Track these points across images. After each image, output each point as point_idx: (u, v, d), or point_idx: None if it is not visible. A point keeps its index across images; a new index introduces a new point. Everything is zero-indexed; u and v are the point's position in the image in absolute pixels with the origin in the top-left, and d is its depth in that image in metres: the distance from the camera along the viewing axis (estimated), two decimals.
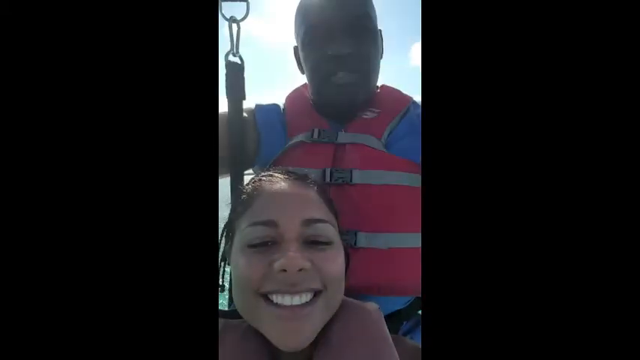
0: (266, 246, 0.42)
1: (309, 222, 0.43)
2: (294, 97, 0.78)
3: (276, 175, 0.48)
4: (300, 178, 0.48)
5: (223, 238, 0.53)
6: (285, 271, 0.39)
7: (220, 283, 0.58)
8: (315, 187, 0.48)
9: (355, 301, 0.48)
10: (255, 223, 0.43)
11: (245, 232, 0.43)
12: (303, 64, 0.72)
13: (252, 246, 0.42)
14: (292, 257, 0.39)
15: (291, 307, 0.40)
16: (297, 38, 0.73)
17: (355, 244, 0.58)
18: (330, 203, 0.49)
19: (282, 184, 0.46)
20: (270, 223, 0.42)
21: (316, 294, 0.41)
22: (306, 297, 0.40)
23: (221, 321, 0.46)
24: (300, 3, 0.71)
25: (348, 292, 0.48)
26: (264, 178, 0.48)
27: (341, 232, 0.48)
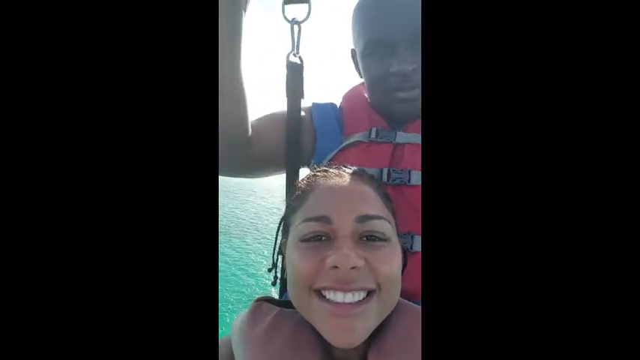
0: (319, 241, 0.42)
1: (364, 218, 0.42)
2: (351, 95, 0.78)
3: (331, 170, 0.48)
4: (355, 174, 0.47)
5: (280, 233, 0.54)
6: (337, 267, 0.39)
7: (274, 275, 0.59)
8: (371, 184, 0.47)
9: (412, 304, 0.46)
10: (308, 219, 0.43)
11: (299, 227, 0.43)
12: (362, 73, 0.71)
13: (305, 241, 0.42)
14: (345, 255, 0.39)
15: (343, 304, 0.39)
16: (355, 44, 0.72)
17: (411, 247, 0.56)
18: (386, 200, 0.48)
19: (337, 179, 0.46)
20: (324, 219, 0.42)
21: (370, 293, 0.40)
22: (359, 295, 0.40)
23: (275, 309, 0.47)
24: (357, 6, 0.71)
25: (405, 294, 0.47)
26: (318, 174, 0.48)
27: (397, 234, 0.47)
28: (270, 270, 0.59)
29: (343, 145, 0.66)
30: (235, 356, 0.44)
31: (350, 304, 0.39)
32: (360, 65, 0.72)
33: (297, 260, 0.42)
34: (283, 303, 0.49)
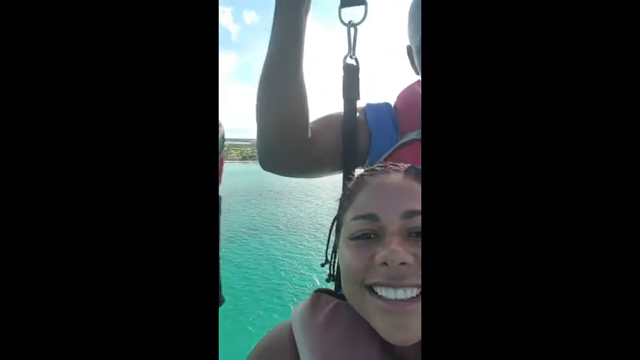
0: (368, 239, 0.43)
1: (411, 214, 0.42)
2: (406, 94, 0.77)
3: (377, 169, 0.49)
4: (401, 171, 0.47)
5: (333, 232, 0.56)
6: (386, 264, 0.39)
7: (330, 273, 0.62)
8: (418, 179, 0.46)
9: None
10: (356, 217, 0.44)
11: (348, 225, 0.45)
12: (418, 70, 0.70)
13: (354, 239, 0.43)
14: (393, 251, 0.39)
15: (395, 300, 0.39)
16: (411, 40, 0.71)
17: None
18: None
19: (383, 177, 0.46)
20: (371, 217, 0.43)
21: None
22: (411, 292, 0.40)
23: (333, 300, 0.49)
24: (414, 3, 0.69)
25: None
26: (366, 173, 0.49)
27: None
28: (323, 265, 0.61)
29: (398, 143, 0.66)
30: (296, 340, 0.47)
31: (402, 300, 0.39)
32: (415, 62, 0.70)
33: (348, 258, 0.43)
34: (340, 296, 0.51)
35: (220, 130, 0.40)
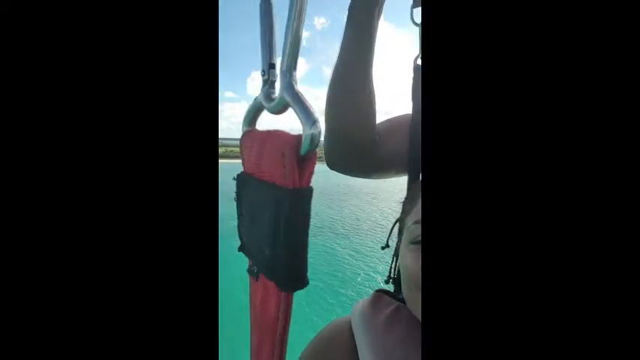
0: None
1: None
2: None
3: None
4: None
5: (394, 232, 0.56)
6: None
7: (390, 275, 0.62)
8: None
9: None
10: (418, 221, 0.43)
11: (410, 229, 0.44)
12: None
13: (415, 243, 0.43)
14: None
15: None
16: None
17: None
18: None
19: None
20: None
21: None
22: None
23: (394, 302, 0.50)
24: None
25: None
26: None
27: None
28: (383, 248, 0.61)
29: None
30: (356, 336, 0.49)
31: None
32: None
33: (409, 262, 0.43)
34: (401, 299, 0.51)
35: (317, 126, 0.44)
